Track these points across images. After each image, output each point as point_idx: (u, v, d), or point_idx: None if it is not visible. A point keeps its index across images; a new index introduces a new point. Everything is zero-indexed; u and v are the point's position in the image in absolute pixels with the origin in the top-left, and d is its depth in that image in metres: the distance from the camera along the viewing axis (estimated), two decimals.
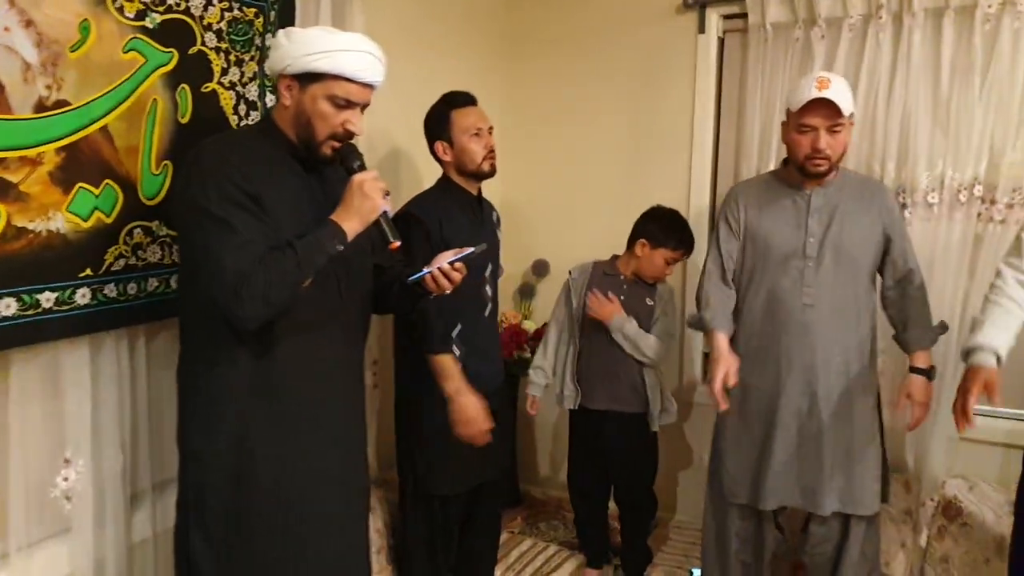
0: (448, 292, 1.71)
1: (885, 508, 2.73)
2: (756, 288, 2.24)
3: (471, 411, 2.13)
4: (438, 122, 2.27)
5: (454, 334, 2.27)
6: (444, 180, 2.34)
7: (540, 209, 3.38)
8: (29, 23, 1.48)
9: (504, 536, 3.18)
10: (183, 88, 1.81)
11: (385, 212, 1.58)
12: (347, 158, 1.61)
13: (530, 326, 3.27)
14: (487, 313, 2.36)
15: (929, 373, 2.19)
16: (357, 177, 1.57)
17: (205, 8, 1.84)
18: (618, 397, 2.67)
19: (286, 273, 1.49)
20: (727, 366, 2.16)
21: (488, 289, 2.35)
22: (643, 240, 2.62)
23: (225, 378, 1.60)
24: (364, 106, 1.63)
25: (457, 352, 2.27)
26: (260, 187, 1.54)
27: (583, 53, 3.22)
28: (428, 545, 2.41)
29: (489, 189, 3.23)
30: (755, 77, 2.84)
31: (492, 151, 2.29)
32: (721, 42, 3.00)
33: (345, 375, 1.75)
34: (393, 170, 2.64)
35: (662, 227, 2.60)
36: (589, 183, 3.25)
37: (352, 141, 1.63)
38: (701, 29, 2.96)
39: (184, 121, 1.81)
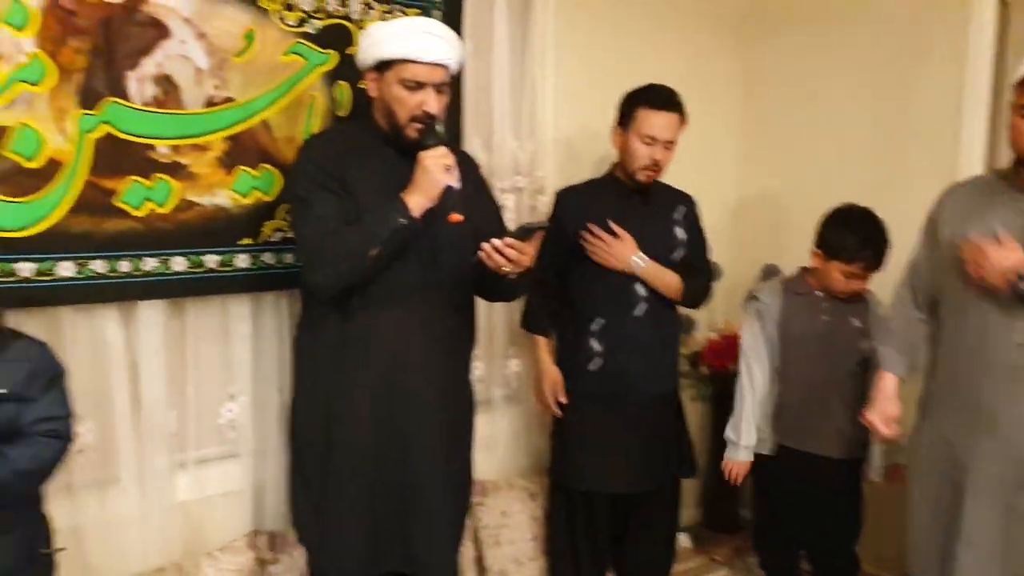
0: (509, 270, 1.68)
1: None
2: (958, 318, 1.76)
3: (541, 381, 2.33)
4: (624, 110, 2.22)
5: (593, 327, 2.21)
6: (610, 170, 2.31)
7: (775, 208, 3.03)
8: (202, 35, 1.84)
9: (701, 560, 2.97)
10: (341, 85, 2.04)
11: (450, 186, 1.63)
12: (424, 137, 1.69)
13: None
14: (639, 312, 2.24)
15: None
16: (421, 154, 1.65)
17: (365, 12, 2.05)
18: (820, 437, 2.24)
19: (351, 244, 1.64)
20: (883, 413, 1.87)
21: (641, 287, 2.23)
22: (818, 249, 2.20)
23: (317, 343, 1.81)
24: (441, 86, 1.70)
25: (597, 347, 2.21)
26: (347, 172, 1.71)
27: (831, 29, 2.79)
28: (570, 541, 2.39)
29: (721, 186, 3.02)
30: None
31: (656, 164, 2.17)
32: (1004, 5, 2.35)
33: (433, 350, 1.83)
34: (590, 160, 2.62)
35: (839, 234, 2.15)
36: (834, 180, 2.81)
37: (435, 120, 1.71)
38: None
39: (342, 115, 2.05)
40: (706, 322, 3.04)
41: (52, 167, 1.70)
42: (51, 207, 1.71)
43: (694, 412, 2.84)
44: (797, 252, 2.68)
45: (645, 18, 2.75)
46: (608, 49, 2.62)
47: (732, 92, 3.08)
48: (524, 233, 1.66)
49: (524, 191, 2.44)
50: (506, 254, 1.65)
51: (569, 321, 2.32)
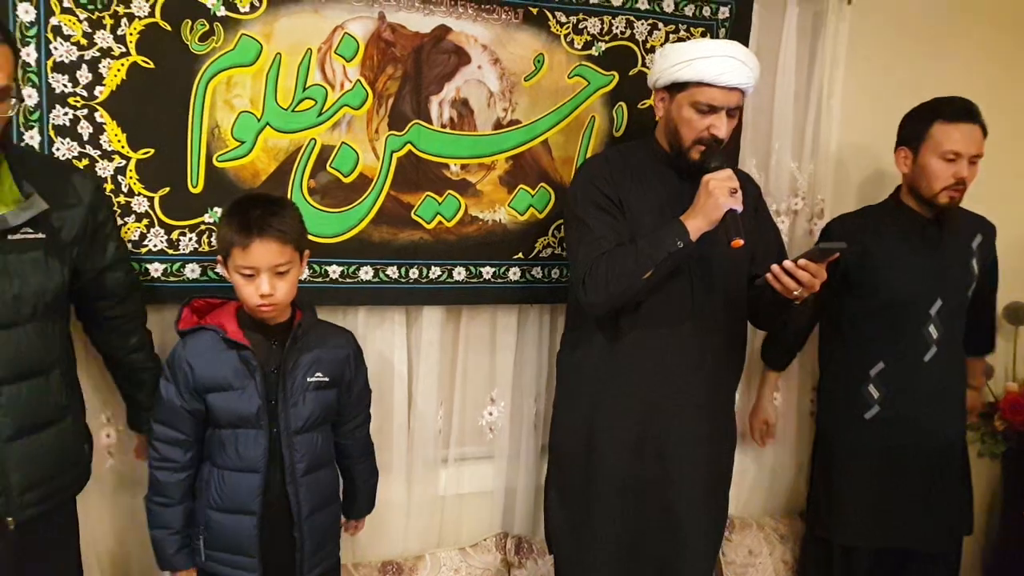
0: (798, 294, 1.58)
1: None
2: None
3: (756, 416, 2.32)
4: (913, 128, 2.01)
5: (873, 372, 2.04)
6: (892, 196, 2.11)
7: None
8: (496, 61, 1.93)
9: None
10: (620, 106, 2.05)
11: (732, 210, 1.57)
12: (707, 159, 1.64)
13: None
14: (928, 357, 2.03)
15: None
16: (706, 176, 1.60)
17: (650, 33, 2.04)
18: None
19: (625, 265, 1.64)
20: None
21: (933, 330, 2.02)
22: None
23: (582, 358, 1.84)
24: (733, 110, 1.65)
25: (874, 394, 2.04)
26: (626, 192, 1.72)
27: None
28: None
29: None
30: None
31: (962, 183, 1.94)
32: None
33: (700, 377, 1.79)
34: (859, 183, 2.41)
35: None
36: None
37: (721, 144, 1.66)
38: None
39: (618, 135, 2.07)
40: (1005, 370, 2.67)
41: (363, 182, 1.88)
42: (359, 218, 1.89)
43: (981, 468, 2.52)
44: None
45: (953, 34, 2.46)
46: (903, 66, 2.37)
47: None
48: (819, 255, 1.55)
49: (800, 214, 2.30)
50: (798, 276, 1.55)
51: (839, 361, 2.17)
